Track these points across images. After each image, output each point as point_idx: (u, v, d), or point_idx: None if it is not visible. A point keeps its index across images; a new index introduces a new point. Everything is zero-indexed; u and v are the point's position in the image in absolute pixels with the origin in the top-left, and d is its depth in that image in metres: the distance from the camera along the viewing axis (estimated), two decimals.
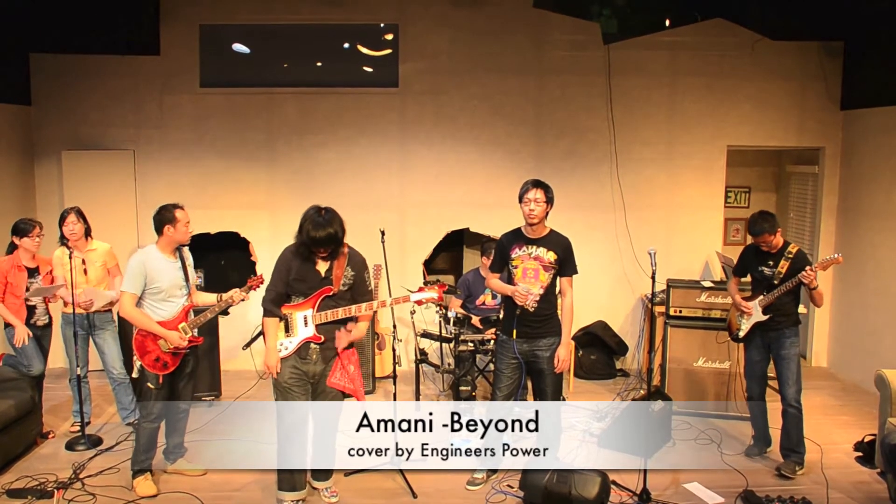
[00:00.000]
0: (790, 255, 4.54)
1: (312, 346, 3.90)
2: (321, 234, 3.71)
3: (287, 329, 3.92)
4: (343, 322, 3.95)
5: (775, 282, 4.56)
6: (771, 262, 4.59)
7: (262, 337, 4.02)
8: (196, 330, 4.42)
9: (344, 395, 4.08)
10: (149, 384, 4.29)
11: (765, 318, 4.63)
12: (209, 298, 4.48)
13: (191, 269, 4.49)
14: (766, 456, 4.86)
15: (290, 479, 4.08)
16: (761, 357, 4.77)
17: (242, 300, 4.36)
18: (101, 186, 6.45)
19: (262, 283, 4.44)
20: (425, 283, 3.98)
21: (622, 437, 4.88)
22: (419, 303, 3.96)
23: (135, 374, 4.37)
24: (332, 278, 3.85)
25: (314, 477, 4.25)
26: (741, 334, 4.80)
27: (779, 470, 4.56)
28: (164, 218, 4.31)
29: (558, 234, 4.34)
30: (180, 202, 4.33)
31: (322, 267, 3.88)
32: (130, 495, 4.25)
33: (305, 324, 3.88)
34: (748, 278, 4.83)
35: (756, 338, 4.74)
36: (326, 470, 4.23)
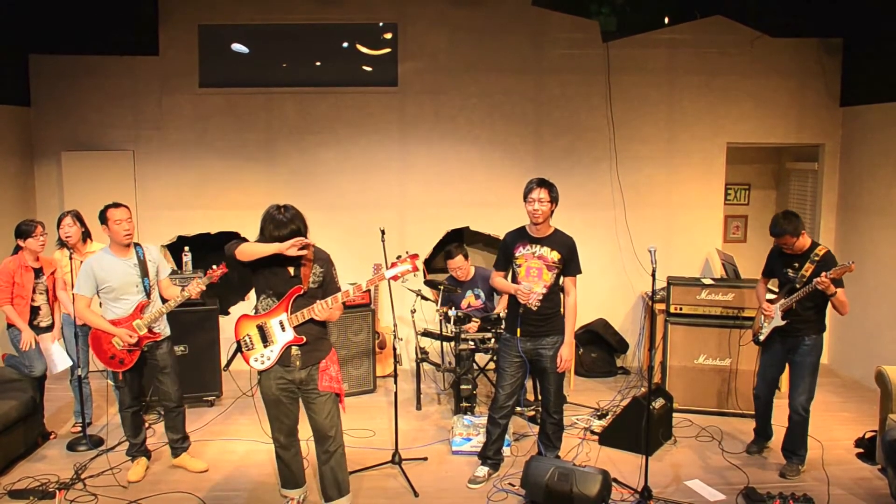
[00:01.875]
0: (816, 258, 4.37)
1: (294, 350, 3.76)
2: (284, 232, 3.59)
3: (265, 340, 3.78)
4: (321, 323, 3.84)
5: (797, 285, 4.41)
6: (796, 264, 4.45)
7: (239, 354, 3.88)
8: (163, 325, 4.44)
9: (338, 398, 3.92)
10: (109, 381, 4.35)
11: (782, 322, 4.49)
12: (176, 292, 4.46)
13: (152, 265, 4.45)
14: (766, 452, 4.87)
15: (290, 476, 4.09)
16: (775, 363, 4.67)
17: (201, 291, 4.32)
18: (101, 187, 6.43)
19: (224, 272, 4.33)
20: (397, 258, 3.80)
21: (623, 434, 4.90)
22: (395, 278, 3.76)
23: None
24: (300, 276, 3.75)
25: (328, 497, 3.94)
26: (761, 338, 4.66)
27: (782, 473, 4.55)
28: (99, 218, 4.36)
29: (563, 233, 4.34)
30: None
31: (290, 266, 3.76)
32: (131, 495, 4.26)
33: (283, 329, 3.75)
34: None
35: (775, 343, 4.60)
36: (338, 485, 3.94)
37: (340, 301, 3.73)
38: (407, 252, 3.83)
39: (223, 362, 5.95)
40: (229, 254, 3.68)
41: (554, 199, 4.23)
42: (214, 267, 4.32)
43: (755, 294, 4.88)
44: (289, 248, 3.57)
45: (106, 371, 5.00)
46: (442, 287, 5.64)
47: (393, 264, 3.77)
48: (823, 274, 4.18)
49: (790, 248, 4.44)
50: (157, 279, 4.51)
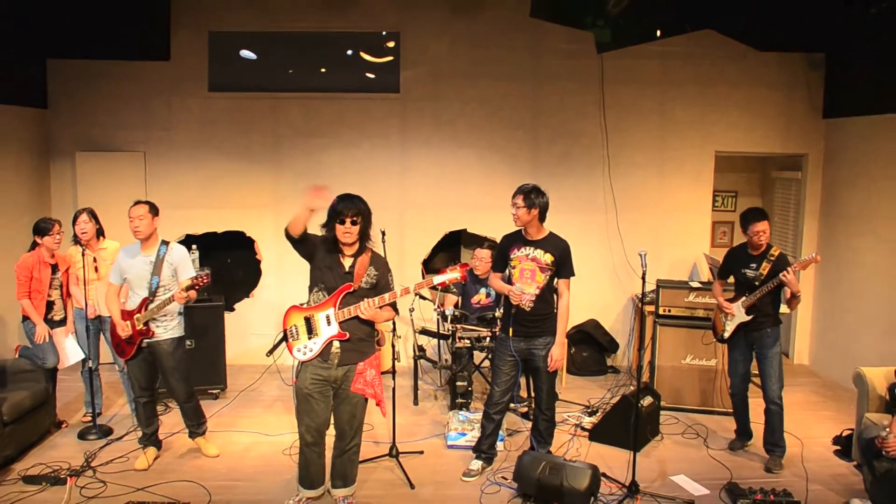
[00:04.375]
0: (772, 258, 4.72)
1: (335, 346, 3.82)
2: (347, 203, 3.75)
3: (310, 331, 3.86)
4: (368, 325, 3.90)
5: (757, 283, 4.73)
6: (753, 265, 4.77)
7: (284, 343, 3.98)
8: (172, 325, 4.57)
9: (366, 402, 4.00)
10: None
11: (748, 318, 4.79)
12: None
13: (168, 266, 4.55)
14: (748, 449, 5.04)
15: (308, 477, 4.07)
16: (744, 357, 4.94)
17: (188, 298, 4.43)
18: (113, 186, 6.58)
19: (206, 281, 4.42)
20: (449, 266, 3.95)
21: (612, 431, 5.05)
22: (442, 284, 3.88)
23: None
24: (353, 274, 3.81)
25: (333, 485, 4.13)
26: (726, 335, 4.95)
27: (768, 468, 4.72)
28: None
29: (557, 236, 4.46)
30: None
31: (346, 262, 3.85)
32: (139, 483, 4.39)
33: (328, 323, 3.81)
34: (732, 280, 5.01)
35: (740, 338, 4.91)
36: (345, 477, 4.11)
37: (388, 301, 3.79)
38: (458, 262, 3.89)
39: (228, 357, 6.12)
40: (287, 235, 3.86)
41: (531, 205, 4.29)
42: (199, 274, 4.44)
43: (713, 294, 5.16)
44: (311, 193, 3.74)
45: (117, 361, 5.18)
46: (440, 287, 5.76)
47: (442, 271, 3.87)
48: (788, 269, 4.50)
49: (767, 237, 4.73)
50: (178, 280, 4.57)
